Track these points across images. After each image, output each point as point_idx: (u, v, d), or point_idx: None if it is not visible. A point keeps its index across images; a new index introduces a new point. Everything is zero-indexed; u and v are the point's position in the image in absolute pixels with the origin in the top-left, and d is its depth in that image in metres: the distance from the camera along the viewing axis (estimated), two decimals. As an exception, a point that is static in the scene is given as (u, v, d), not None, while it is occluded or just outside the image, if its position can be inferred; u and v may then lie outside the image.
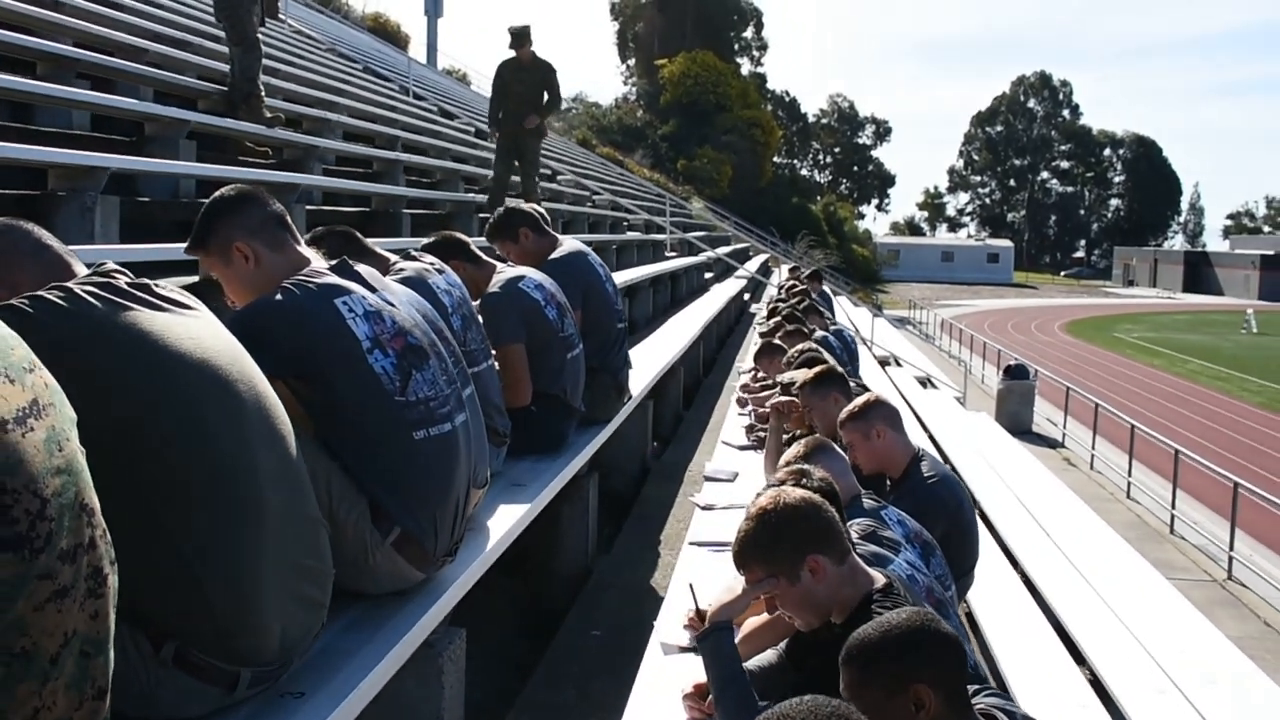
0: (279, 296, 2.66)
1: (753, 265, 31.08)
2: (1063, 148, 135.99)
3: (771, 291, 24.72)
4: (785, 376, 6.25)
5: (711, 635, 2.90)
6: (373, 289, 2.84)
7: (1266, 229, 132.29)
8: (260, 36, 8.92)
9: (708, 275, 23.38)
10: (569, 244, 5.35)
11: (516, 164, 11.50)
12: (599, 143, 52.80)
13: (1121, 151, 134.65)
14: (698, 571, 4.37)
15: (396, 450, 2.71)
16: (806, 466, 3.53)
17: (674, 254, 21.84)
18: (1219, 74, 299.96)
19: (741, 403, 8.35)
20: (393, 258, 3.97)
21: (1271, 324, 55.33)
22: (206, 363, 2.14)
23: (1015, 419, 21.35)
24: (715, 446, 7.89)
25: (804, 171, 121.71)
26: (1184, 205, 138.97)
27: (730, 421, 7.80)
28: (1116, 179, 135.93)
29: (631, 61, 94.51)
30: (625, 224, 21.41)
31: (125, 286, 2.16)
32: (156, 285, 2.22)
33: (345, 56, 21.18)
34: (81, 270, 2.27)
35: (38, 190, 5.60)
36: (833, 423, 5.33)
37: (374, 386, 2.69)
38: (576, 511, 5.13)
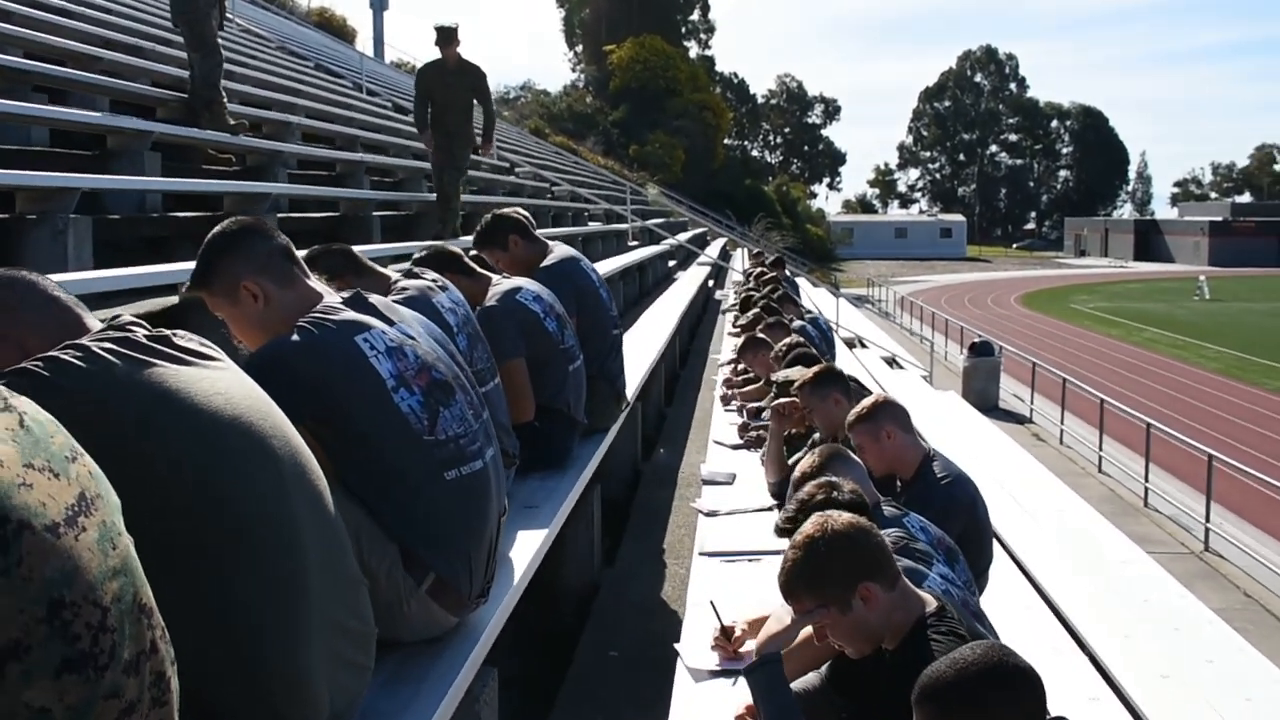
0: (296, 336, 2.51)
1: (713, 250, 31.00)
2: (1010, 121, 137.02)
3: (736, 277, 24.67)
4: (780, 375, 6.15)
5: (761, 668, 2.79)
6: (390, 322, 2.69)
7: (1214, 195, 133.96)
8: (220, 41, 8.68)
9: (671, 263, 23.28)
10: (560, 250, 5.21)
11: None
12: (551, 131, 52.52)
13: (1069, 123, 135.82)
14: (711, 584, 4.28)
15: (427, 493, 2.58)
16: (835, 479, 3.42)
17: (636, 243, 21.73)
18: (1161, 43, 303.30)
19: (725, 399, 8.25)
20: (394, 275, 3.82)
21: (1223, 290, 56.02)
22: (238, 420, 2.00)
23: (982, 396, 21.42)
24: (704, 446, 7.79)
25: (755, 153, 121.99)
26: (1132, 174, 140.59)
27: (717, 419, 7.70)
28: (1065, 150, 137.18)
29: (579, 48, 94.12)
30: (586, 214, 21.26)
31: (144, 340, 2.00)
32: (176, 336, 2.07)
33: (296, 54, 20.90)
34: (94, 323, 2.12)
35: (5, 214, 5.38)
36: (833, 423, 5.25)
37: (401, 427, 2.55)
38: (581, 525, 5.00)
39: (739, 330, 11.01)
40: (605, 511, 5.71)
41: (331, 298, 2.66)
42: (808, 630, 3.20)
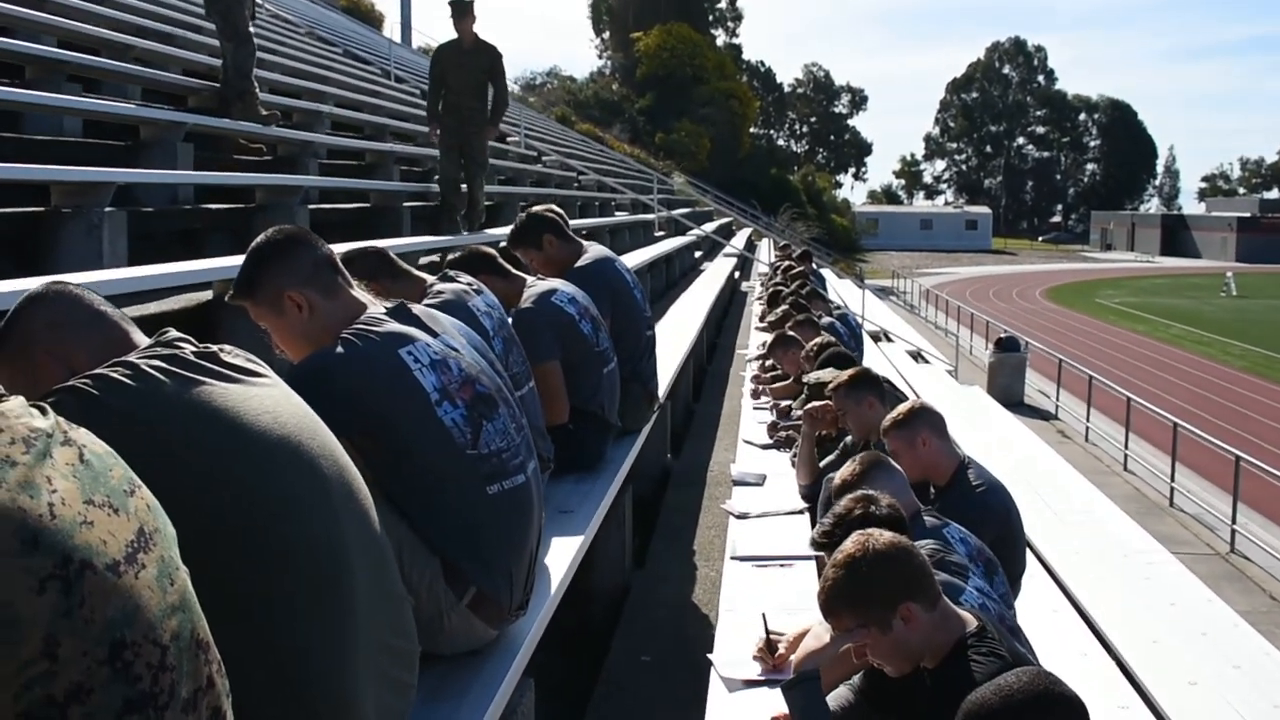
0: (340, 349, 2.50)
1: (739, 241, 30.93)
2: (1038, 113, 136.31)
3: (762, 269, 24.60)
4: (813, 377, 6.13)
5: (799, 685, 2.78)
6: (434, 333, 2.68)
7: (1241, 191, 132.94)
8: (252, 30, 8.67)
9: (697, 254, 23.23)
10: (594, 250, 5.19)
11: (463, 161, 9.91)
12: (577, 119, 52.46)
13: (1096, 116, 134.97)
14: (743, 589, 4.26)
15: (470, 507, 2.57)
16: (872, 493, 3.40)
17: (663, 234, 21.69)
18: (1190, 37, 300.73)
19: (755, 394, 8.22)
20: (429, 279, 3.81)
21: (1250, 286, 55.61)
22: (287, 439, 1.98)
23: (1007, 392, 21.33)
24: (733, 444, 7.76)
25: (780, 142, 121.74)
26: (1159, 168, 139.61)
27: (746, 416, 7.67)
28: (1092, 143, 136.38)
29: (606, 35, 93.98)
30: (613, 204, 21.22)
31: (192, 358, 1.99)
32: (223, 352, 2.05)
33: (325, 40, 20.89)
34: (140, 338, 2.11)
35: (40, 207, 5.38)
36: (866, 426, 5.23)
37: (444, 440, 2.54)
38: (613, 527, 4.98)
39: (767, 326, 10.99)
40: (634, 512, 5.70)
41: (375, 308, 2.64)
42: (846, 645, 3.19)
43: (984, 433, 13.27)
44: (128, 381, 1.87)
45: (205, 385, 1.94)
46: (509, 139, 20.51)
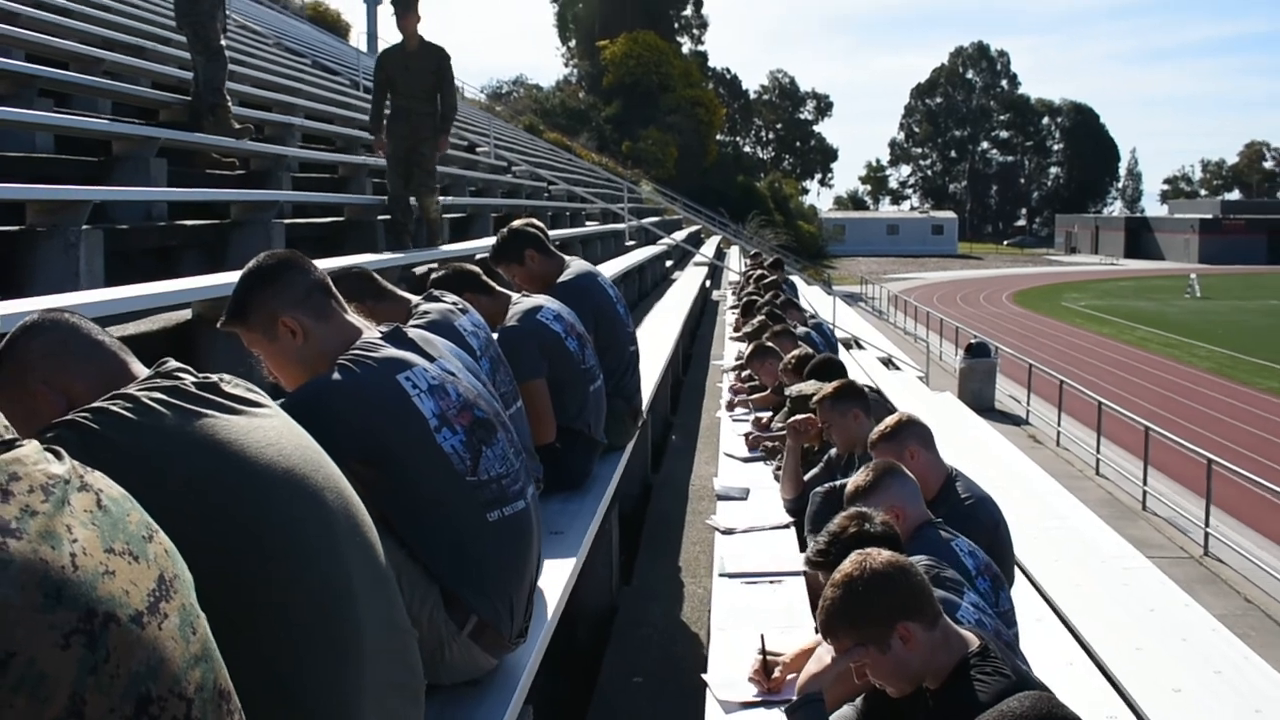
0: (337, 375, 2.45)
1: (709, 249, 30.96)
2: (1002, 117, 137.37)
3: (732, 277, 24.63)
4: (795, 389, 6.11)
5: (803, 708, 2.76)
6: (430, 358, 2.64)
7: (1203, 192, 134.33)
8: (224, 44, 8.59)
9: (668, 263, 23.22)
10: (576, 264, 5.15)
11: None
12: (545, 128, 52.41)
13: (1060, 119, 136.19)
14: (733, 607, 4.24)
15: (470, 534, 2.53)
16: (867, 510, 3.39)
17: (633, 243, 21.67)
18: (1151, 39, 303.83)
19: (730, 406, 8.20)
20: (413, 299, 3.77)
21: (1213, 288, 56.17)
22: (292, 472, 1.94)
23: (978, 397, 21.43)
24: (713, 457, 7.74)
25: (747, 149, 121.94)
26: (1122, 171, 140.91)
27: (726, 430, 7.64)
28: (1055, 147, 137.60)
29: (572, 43, 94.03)
30: (584, 214, 21.19)
31: (193, 389, 1.94)
32: (224, 382, 2.01)
33: (293, 51, 20.81)
34: (138, 368, 2.06)
35: (15, 225, 5.29)
36: (852, 439, 5.22)
37: (444, 467, 2.50)
38: (601, 545, 4.94)
39: (743, 337, 10.98)
40: (619, 529, 5.67)
41: (370, 333, 2.61)
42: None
43: (957, 439, 13.30)
44: (129, 415, 1.83)
45: (208, 418, 1.90)
46: (478, 149, 20.45)
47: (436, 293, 3.88)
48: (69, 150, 7.49)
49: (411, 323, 3.48)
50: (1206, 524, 13.17)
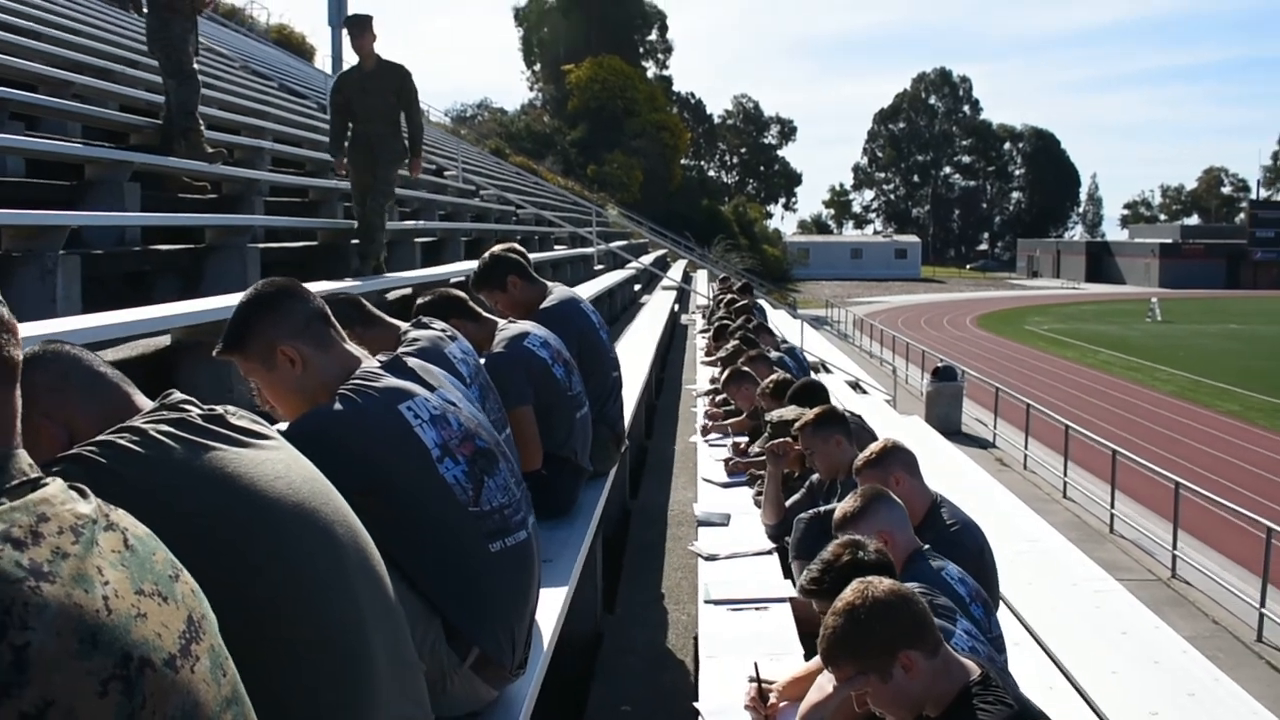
0: (339, 405, 2.42)
1: (676, 273, 31.02)
2: (964, 142, 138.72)
3: (700, 301, 24.68)
4: (776, 415, 6.11)
5: (805, 739, 2.75)
6: (431, 387, 2.62)
7: (1163, 217, 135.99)
8: (196, 68, 8.53)
9: (636, 287, 23.24)
10: (559, 290, 5.14)
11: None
12: (511, 151, 52.44)
13: (1021, 145, 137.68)
14: (721, 634, 4.23)
15: (472, 566, 2.50)
16: (860, 538, 3.39)
17: (601, 267, 21.68)
18: (1112, 66, 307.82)
19: (706, 431, 8.19)
20: (402, 325, 3.74)
21: (1174, 311, 56.80)
22: (302, 506, 1.91)
23: (945, 421, 21.52)
24: (690, 482, 7.72)
25: (711, 173, 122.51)
26: (1083, 196, 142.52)
27: (703, 455, 7.63)
28: (1017, 172, 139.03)
29: (537, 67, 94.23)
30: (552, 238, 21.18)
31: (200, 421, 1.91)
32: (229, 414, 1.98)
33: (260, 74, 20.72)
34: (142, 401, 2.02)
35: (-11, 252, 5.23)
36: (834, 465, 5.23)
37: (447, 498, 2.47)
38: (586, 572, 4.91)
39: (716, 362, 10.98)
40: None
41: (369, 362, 2.58)
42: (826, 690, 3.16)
43: (926, 462, 13.14)
44: (136, 448, 1.79)
45: (216, 450, 1.86)
46: (446, 173, 20.42)
47: (425, 319, 3.85)
48: (40, 174, 7.40)
49: (401, 349, 3.46)
50: (1174, 546, 13.28)
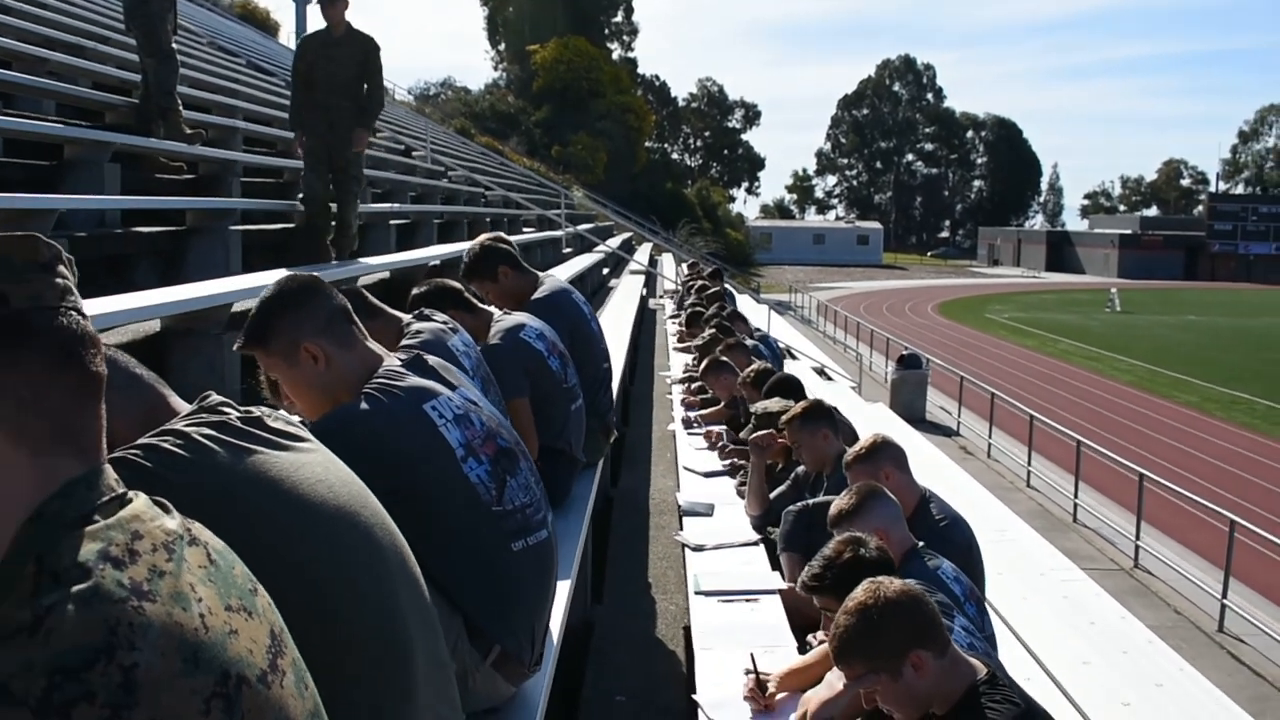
0: (365, 405, 2.43)
1: (642, 256, 31.02)
2: (927, 130, 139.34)
3: (668, 285, 24.70)
4: (760, 407, 6.16)
5: (816, 736, 2.79)
6: (452, 386, 2.63)
7: (1122, 208, 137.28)
8: (175, 47, 8.44)
9: (604, 271, 23.21)
10: (551, 281, 5.14)
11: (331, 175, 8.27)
12: (476, 131, 52.18)
13: (983, 133, 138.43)
14: (712, 627, 4.26)
15: (495, 565, 2.52)
16: (861, 535, 3.44)
17: (569, 250, 21.63)
18: (1074, 56, 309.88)
19: (687, 423, 8.21)
20: (404, 317, 3.73)
21: (1133, 302, 57.39)
22: (342, 509, 1.91)
23: (909, 408, 21.68)
24: (669, 470, 7.75)
25: (675, 156, 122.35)
26: (1044, 185, 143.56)
27: (683, 443, 7.65)
28: (979, 160, 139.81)
29: (502, 46, 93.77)
30: (521, 220, 21.11)
31: (240, 424, 1.90)
32: (267, 417, 1.97)
33: (227, 51, 20.52)
34: (178, 403, 2.01)
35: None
36: (821, 458, 5.28)
37: (470, 498, 2.49)
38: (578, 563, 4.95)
39: (692, 350, 11.02)
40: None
41: (391, 361, 2.58)
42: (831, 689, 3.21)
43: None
44: (181, 452, 1.77)
45: (258, 454, 1.86)
46: (414, 153, 20.30)
47: (427, 311, 3.84)
48: (17, 154, 7.31)
49: (404, 342, 3.46)
50: (1137, 537, 13.46)
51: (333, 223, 8.42)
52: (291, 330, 2.50)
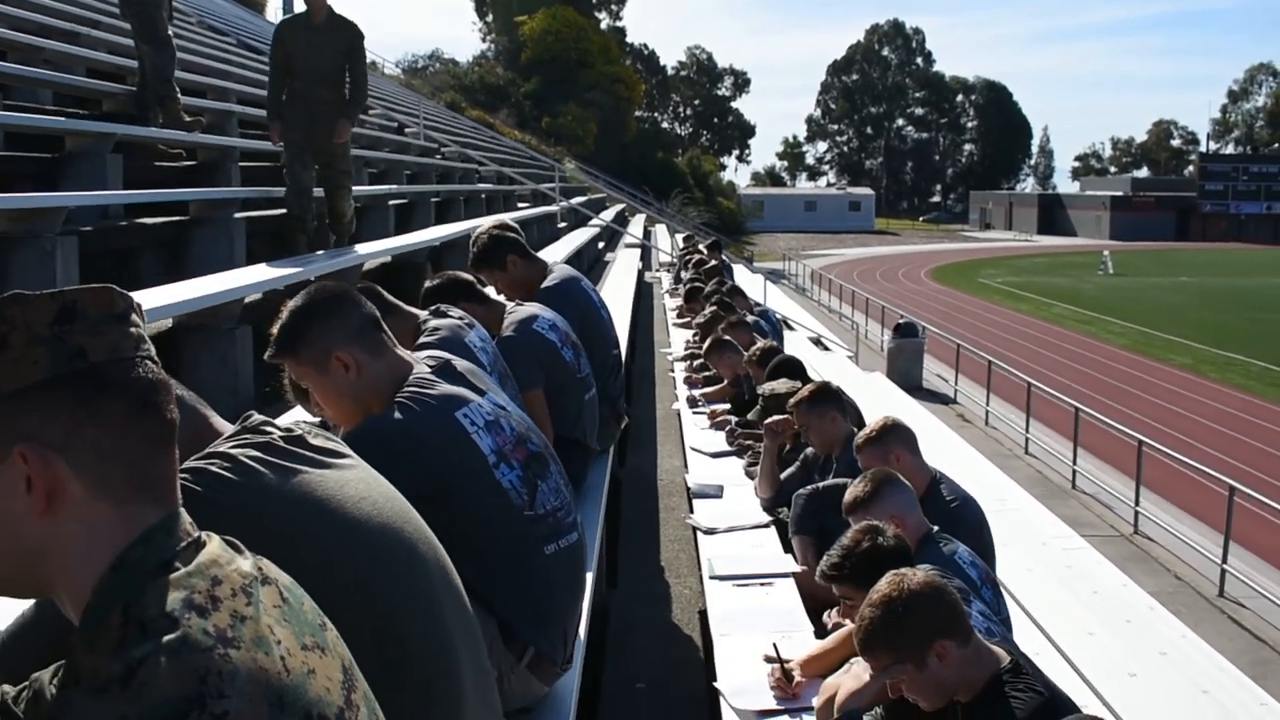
0: (398, 414, 2.45)
1: (636, 229, 30.97)
2: (917, 95, 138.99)
3: (663, 258, 24.66)
4: (768, 388, 6.19)
5: (844, 727, 2.84)
6: (481, 391, 2.66)
7: (1113, 170, 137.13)
8: (172, 33, 8.38)
9: (600, 245, 23.17)
10: (560, 270, 5.16)
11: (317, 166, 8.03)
12: (466, 104, 51.93)
13: (974, 97, 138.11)
14: (729, 612, 4.30)
15: (528, 568, 2.56)
16: (878, 523, 3.48)
17: (564, 225, 21.59)
18: (1063, 18, 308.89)
19: (692, 402, 8.24)
20: (421, 314, 3.76)
21: (1126, 264, 57.49)
22: (387, 526, 1.93)
23: (906, 376, 21.71)
24: (674, 450, 7.78)
25: (665, 125, 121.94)
26: (1034, 148, 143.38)
27: (688, 423, 7.68)
28: (969, 124, 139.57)
29: (489, 17, 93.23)
30: (516, 196, 21.06)
31: (283, 444, 1.92)
32: (308, 434, 1.99)
33: (217, 30, 20.38)
34: (219, 423, 2.03)
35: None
36: (830, 440, 5.31)
37: (503, 503, 2.52)
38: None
39: (693, 326, 11.03)
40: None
41: (420, 368, 2.61)
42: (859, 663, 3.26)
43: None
44: (229, 474, 1.79)
45: (303, 474, 1.87)
46: (407, 130, 20.23)
47: (444, 307, 3.87)
48: (18, 146, 7.29)
49: (422, 339, 3.49)
50: (1136, 503, 13.54)
51: (316, 214, 8.16)
52: (322, 339, 2.52)
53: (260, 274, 5.97)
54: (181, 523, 1.28)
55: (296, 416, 2.85)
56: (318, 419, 3.03)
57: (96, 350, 1.22)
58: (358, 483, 1.97)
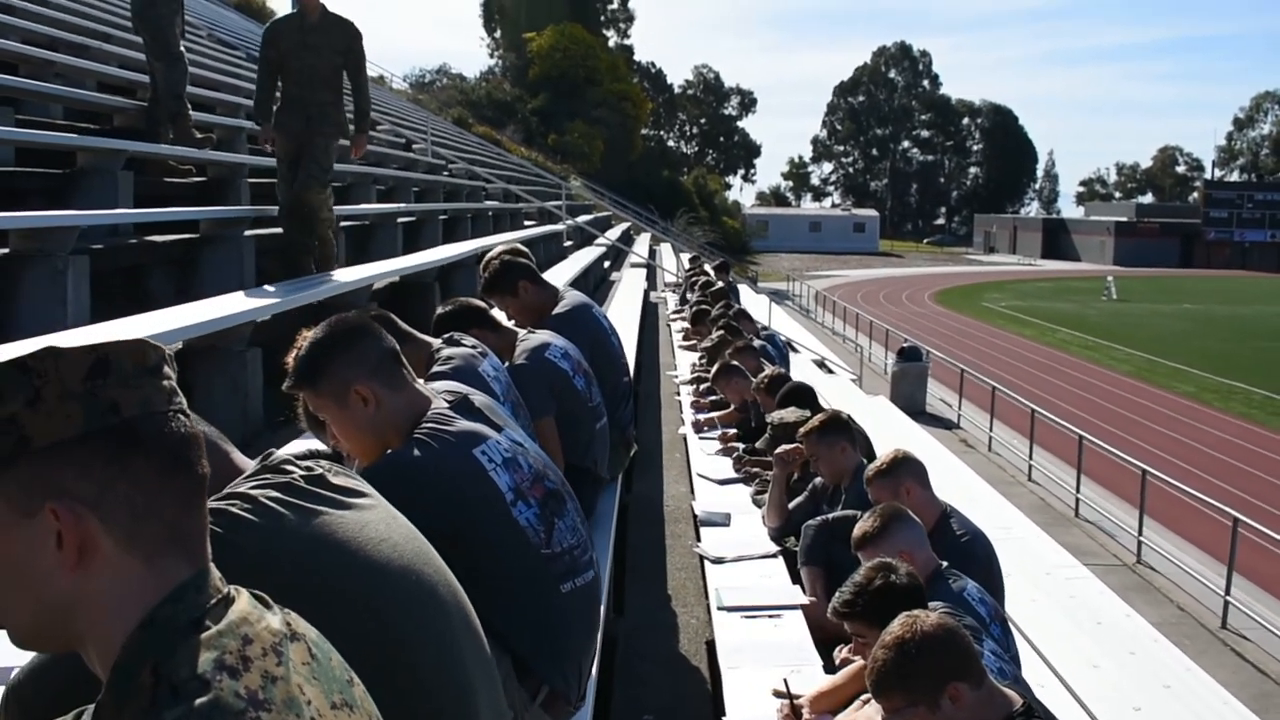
0: (417, 451, 2.44)
1: (641, 248, 30.98)
2: (923, 117, 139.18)
3: (669, 278, 24.66)
4: (776, 417, 6.18)
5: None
6: (498, 427, 2.65)
7: (1118, 195, 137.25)
8: (184, 49, 8.38)
9: (606, 264, 23.16)
10: (571, 296, 5.16)
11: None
12: (473, 120, 52.02)
13: (979, 120, 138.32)
14: (738, 644, 4.29)
15: (544, 606, 2.55)
16: (891, 561, 3.46)
17: (570, 243, 21.61)
18: (1069, 42, 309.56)
19: (699, 427, 8.23)
20: (434, 342, 3.75)
21: (1130, 290, 57.44)
22: (408, 569, 1.92)
23: (910, 401, 21.70)
24: (681, 476, 7.76)
25: (671, 143, 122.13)
26: (1039, 172, 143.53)
27: (695, 448, 7.67)
28: (974, 147, 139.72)
29: (498, 34, 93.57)
30: (523, 214, 21.07)
31: (304, 485, 1.91)
32: (329, 473, 1.98)
33: (226, 44, 20.43)
34: (239, 458, 2.03)
35: (-1, 249, 5.15)
36: (839, 471, 5.30)
37: (520, 541, 2.51)
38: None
39: (699, 350, 11.01)
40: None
41: (438, 403, 2.60)
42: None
43: (896, 444, 13.42)
44: (251, 517, 1.78)
45: (323, 515, 1.86)
46: (414, 146, 20.25)
47: (456, 335, 3.86)
48: (28, 162, 7.27)
49: (435, 368, 3.48)
50: (1140, 532, 13.50)
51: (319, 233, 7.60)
52: (342, 372, 2.52)
53: (270, 297, 5.95)
54: (212, 578, 1.27)
55: (308, 444, 2.84)
56: (332, 449, 3.03)
57: (129, 405, 1.22)
58: (378, 524, 1.96)
